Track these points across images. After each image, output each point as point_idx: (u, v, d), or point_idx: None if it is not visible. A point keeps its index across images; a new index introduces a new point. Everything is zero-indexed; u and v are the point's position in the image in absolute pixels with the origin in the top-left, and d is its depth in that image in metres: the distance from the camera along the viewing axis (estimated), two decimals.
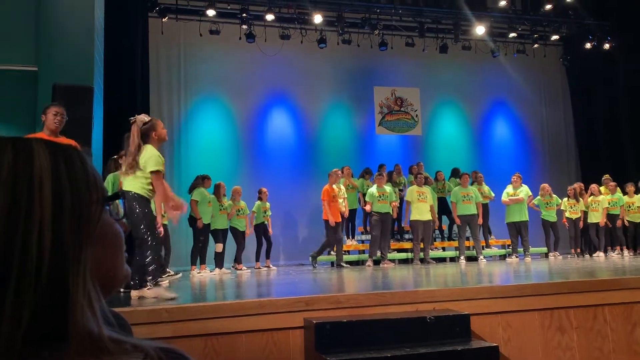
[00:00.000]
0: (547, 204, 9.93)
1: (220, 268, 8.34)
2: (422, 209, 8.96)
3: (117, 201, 0.68)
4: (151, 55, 10.92)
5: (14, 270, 0.54)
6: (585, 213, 10.26)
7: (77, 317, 0.56)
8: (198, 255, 8.00)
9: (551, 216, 9.91)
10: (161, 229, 6.23)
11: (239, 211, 8.73)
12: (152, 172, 4.02)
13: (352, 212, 9.97)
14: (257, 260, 9.15)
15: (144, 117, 4.19)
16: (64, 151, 0.62)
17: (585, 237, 10.36)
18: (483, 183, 10.08)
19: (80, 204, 0.60)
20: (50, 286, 0.55)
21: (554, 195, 10.00)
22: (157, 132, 4.17)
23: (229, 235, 8.55)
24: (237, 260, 8.70)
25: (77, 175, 0.61)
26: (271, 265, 9.22)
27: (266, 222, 9.17)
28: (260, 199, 9.20)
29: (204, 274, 7.87)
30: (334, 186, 9.24)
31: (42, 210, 0.57)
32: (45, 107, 4.48)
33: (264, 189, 9.28)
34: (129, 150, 4.13)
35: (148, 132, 4.14)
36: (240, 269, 8.55)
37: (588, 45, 12.99)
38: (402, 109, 12.97)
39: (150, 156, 4.05)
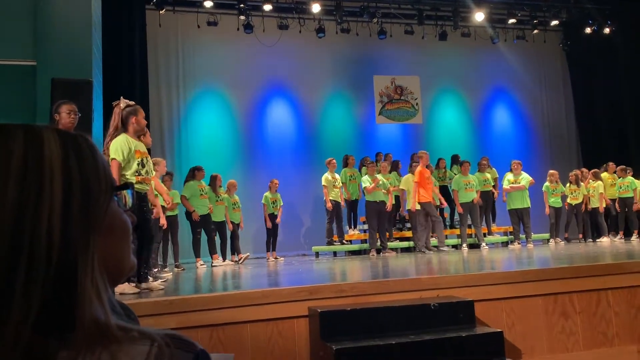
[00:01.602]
0: (554, 191, 9.99)
1: (224, 260, 8.37)
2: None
3: (125, 191, 0.67)
4: (149, 48, 10.88)
5: (23, 260, 0.54)
6: (588, 199, 10.35)
7: (86, 307, 0.56)
8: (199, 247, 8.03)
9: (557, 202, 9.99)
10: (163, 221, 6.24)
11: (234, 205, 8.79)
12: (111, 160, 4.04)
13: (354, 202, 10.00)
14: (268, 250, 9.23)
15: (127, 101, 4.20)
16: (74, 140, 0.62)
17: (588, 222, 10.42)
18: (486, 170, 10.08)
19: (90, 193, 0.60)
20: (59, 276, 0.55)
21: (560, 183, 10.08)
22: (137, 119, 4.17)
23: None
24: (237, 250, 8.75)
25: (87, 165, 0.61)
26: (277, 257, 9.27)
27: (277, 213, 9.26)
28: (269, 189, 9.30)
29: (217, 264, 7.90)
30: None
31: (52, 199, 0.56)
32: (57, 105, 4.38)
33: (275, 180, 9.36)
34: (108, 133, 4.15)
35: (129, 116, 4.14)
36: (241, 258, 8.59)
37: (588, 30, 12.90)
38: (402, 97, 12.93)
39: (114, 145, 4.06)
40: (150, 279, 4.39)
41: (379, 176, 8.94)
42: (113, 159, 4.03)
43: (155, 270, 5.76)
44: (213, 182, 8.47)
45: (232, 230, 8.68)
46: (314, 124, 12.20)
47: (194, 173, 8.16)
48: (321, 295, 3.22)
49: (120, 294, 3.75)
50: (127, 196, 0.68)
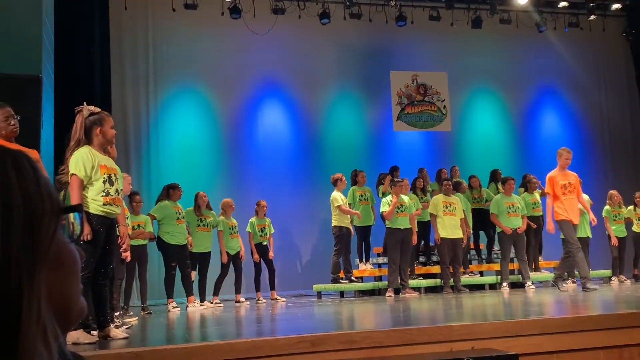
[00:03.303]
0: (616, 216, 9.96)
1: (202, 302, 8.35)
2: (449, 223, 8.98)
3: (72, 215, 0.68)
4: (112, 37, 10.96)
5: None
6: None
7: (28, 351, 0.56)
8: (172, 286, 8.01)
9: (621, 231, 9.99)
10: (127, 254, 6.26)
11: (232, 229, 8.90)
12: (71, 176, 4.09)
13: (367, 229, 9.98)
14: (258, 289, 9.24)
15: (92, 108, 4.24)
16: (11, 155, 0.63)
17: None
18: (535, 191, 10.07)
19: (33, 215, 0.61)
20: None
21: (624, 206, 10.05)
22: (103, 129, 4.21)
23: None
24: (239, 289, 8.97)
25: (28, 183, 0.62)
26: (278, 297, 9.29)
27: (266, 243, 9.31)
28: (256, 213, 9.35)
29: (193, 308, 7.89)
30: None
31: None
32: None
33: (262, 202, 9.41)
34: (69, 147, 4.19)
35: (92, 126, 4.19)
36: (215, 302, 8.64)
37: None
38: (426, 98, 12.99)
39: (74, 158, 4.11)
40: (112, 325, 4.38)
41: (405, 197, 8.92)
42: (73, 174, 4.08)
43: (117, 314, 5.74)
44: (196, 202, 8.50)
45: (225, 264, 8.74)
46: (316, 131, 12.24)
47: (169, 192, 8.18)
48: (326, 347, 3.20)
49: (74, 343, 3.75)
50: (75, 222, 0.69)
